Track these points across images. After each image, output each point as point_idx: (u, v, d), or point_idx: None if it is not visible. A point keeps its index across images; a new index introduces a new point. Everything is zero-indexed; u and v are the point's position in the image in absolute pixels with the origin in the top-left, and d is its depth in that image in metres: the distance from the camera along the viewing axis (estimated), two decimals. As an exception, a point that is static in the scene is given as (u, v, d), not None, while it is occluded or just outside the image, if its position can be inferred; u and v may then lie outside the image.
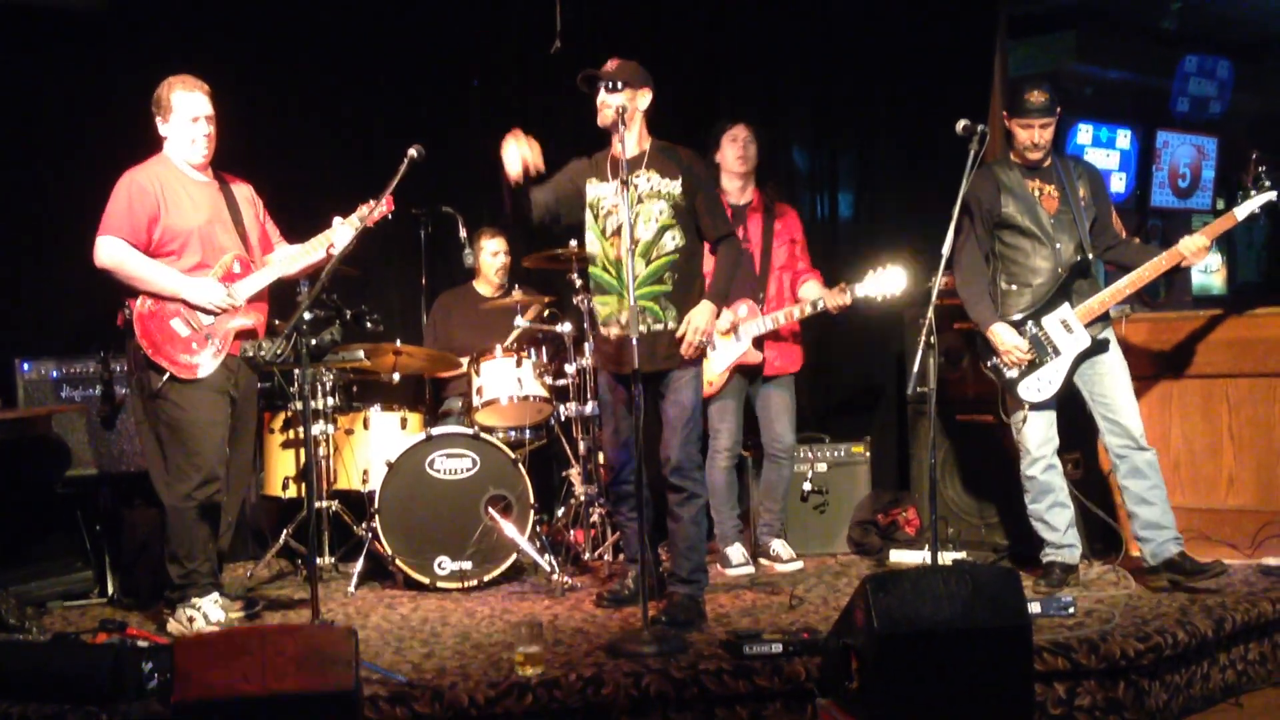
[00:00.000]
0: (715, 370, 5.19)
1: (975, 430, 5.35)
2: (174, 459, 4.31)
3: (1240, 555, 4.99)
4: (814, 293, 5.20)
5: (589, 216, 4.41)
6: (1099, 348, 4.59)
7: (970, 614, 3.32)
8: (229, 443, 4.44)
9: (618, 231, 4.28)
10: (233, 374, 4.42)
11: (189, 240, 4.34)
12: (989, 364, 4.70)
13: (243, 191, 4.58)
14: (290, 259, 4.50)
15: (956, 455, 5.47)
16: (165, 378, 4.27)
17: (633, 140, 4.33)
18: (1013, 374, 4.63)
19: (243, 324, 4.41)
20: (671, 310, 4.31)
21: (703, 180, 4.42)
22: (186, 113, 4.37)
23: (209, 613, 4.31)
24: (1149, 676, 3.84)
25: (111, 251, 4.28)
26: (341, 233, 4.43)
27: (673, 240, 4.32)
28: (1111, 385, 4.61)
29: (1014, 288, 4.65)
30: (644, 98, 4.33)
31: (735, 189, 5.27)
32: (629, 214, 4.09)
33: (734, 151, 5.21)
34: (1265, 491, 5.10)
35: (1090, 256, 4.58)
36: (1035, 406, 4.62)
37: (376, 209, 4.39)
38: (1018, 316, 4.61)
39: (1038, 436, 4.64)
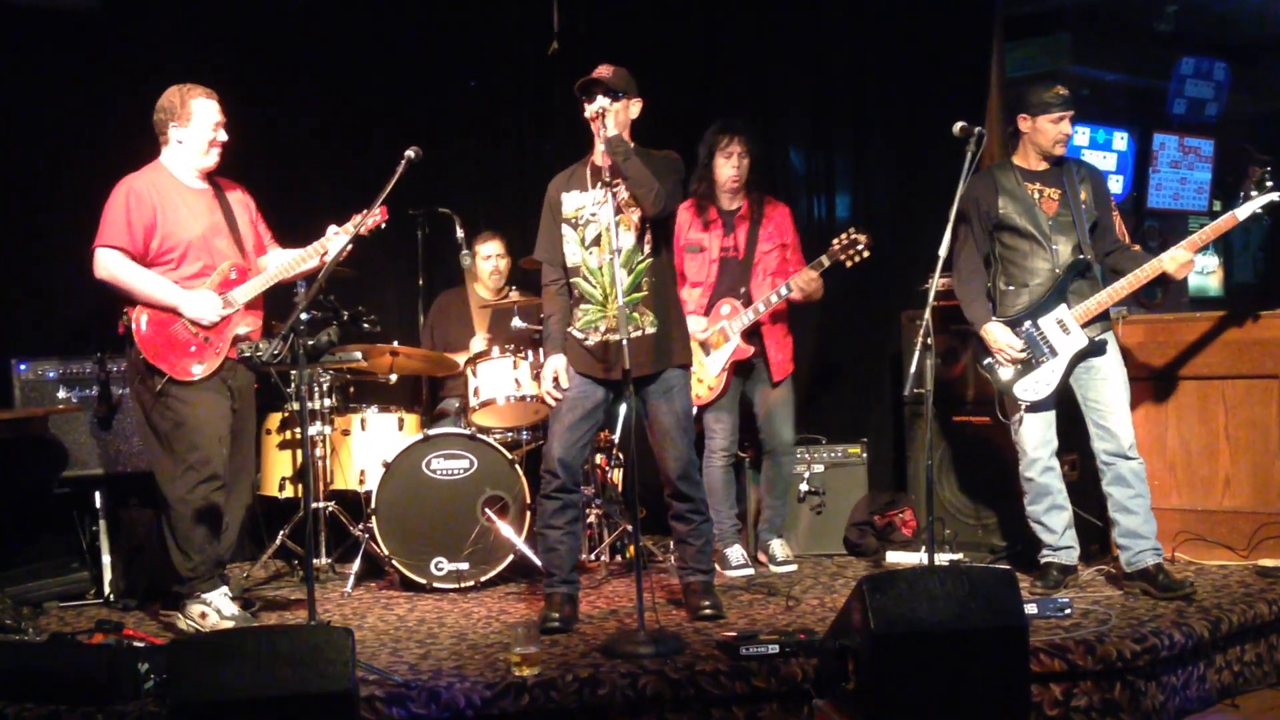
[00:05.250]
0: (713, 372, 5.20)
1: (972, 431, 5.35)
2: (179, 455, 4.31)
3: (1236, 556, 5.00)
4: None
5: (567, 229, 4.38)
6: (1096, 349, 4.57)
7: (967, 615, 3.32)
8: (228, 445, 4.43)
9: (597, 240, 4.31)
10: (229, 376, 4.42)
11: (188, 249, 4.34)
12: (985, 364, 4.71)
13: (236, 195, 4.58)
14: (286, 266, 4.50)
15: (953, 456, 5.47)
16: (165, 379, 4.27)
17: None
18: (1008, 374, 4.63)
19: (241, 329, 4.42)
20: (650, 316, 4.33)
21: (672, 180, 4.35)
22: (208, 119, 4.39)
23: (221, 607, 4.32)
24: (1145, 678, 3.85)
25: (109, 264, 4.28)
26: (336, 241, 4.45)
27: (648, 246, 4.34)
28: (1105, 390, 4.59)
29: (1012, 288, 4.65)
30: (635, 106, 4.34)
31: (725, 196, 5.26)
32: (613, 217, 4.12)
33: (728, 169, 5.18)
34: (1261, 493, 5.09)
35: (1088, 258, 4.57)
36: (1032, 407, 4.61)
37: (370, 218, 4.37)
38: (1014, 316, 4.62)
39: (1035, 438, 4.64)
